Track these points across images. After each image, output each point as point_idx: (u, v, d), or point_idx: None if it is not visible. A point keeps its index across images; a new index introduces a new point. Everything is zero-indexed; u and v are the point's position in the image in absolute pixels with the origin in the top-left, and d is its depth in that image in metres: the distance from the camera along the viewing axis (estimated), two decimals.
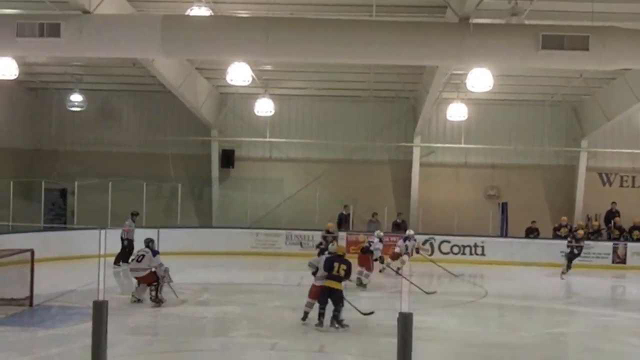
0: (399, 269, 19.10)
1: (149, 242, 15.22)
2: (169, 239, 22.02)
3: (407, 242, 20.36)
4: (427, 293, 15.75)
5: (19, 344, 11.69)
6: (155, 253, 14.96)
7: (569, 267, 20.69)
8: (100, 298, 4.52)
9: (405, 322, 3.47)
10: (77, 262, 19.61)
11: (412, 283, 16.12)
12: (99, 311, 3.84)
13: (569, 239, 21.45)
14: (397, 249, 20.37)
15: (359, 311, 13.14)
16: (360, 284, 17.45)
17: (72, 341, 11.48)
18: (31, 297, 14.28)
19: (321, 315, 12.67)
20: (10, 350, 11.31)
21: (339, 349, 11.82)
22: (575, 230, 22.03)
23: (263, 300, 14.85)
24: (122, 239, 20.69)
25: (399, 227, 25.03)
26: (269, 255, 23.34)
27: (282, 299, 15.33)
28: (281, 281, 16.41)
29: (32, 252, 14.52)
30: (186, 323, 13.57)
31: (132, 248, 20.21)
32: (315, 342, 12.16)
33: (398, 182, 26.47)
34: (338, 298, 12.60)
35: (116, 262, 20.36)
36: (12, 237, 18.64)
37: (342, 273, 12.72)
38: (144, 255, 14.96)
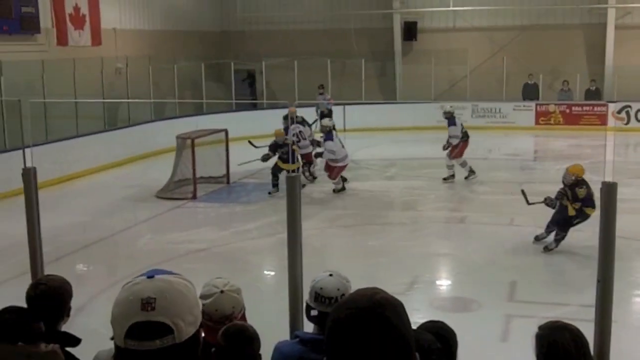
0: None
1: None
2: (354, 116, 22.32)
3: None
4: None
5: (218, 219, 12.40)
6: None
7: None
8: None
9: (609, 192, 3.23)
10: (268, 140, 20.27)
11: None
12: (292, 185, 3.92)
13: None
14: None
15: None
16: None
17: (267, 215, 12.00)
18: (227, 174, 15.03)
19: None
20: (211, 224, 12.04)
21: (526, 221, 11.30)
22: None
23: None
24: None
25: (593, 95, 23.81)
26: None
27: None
28: (468, 155, 16.07)
29: (226, 131, 15.14)
30: (375, 197, 13.77)
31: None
32: (506, 215, 11.95)
33: (591, 47, 24.86)
34: None
35: None
36: (206, 118, 19.47)
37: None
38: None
